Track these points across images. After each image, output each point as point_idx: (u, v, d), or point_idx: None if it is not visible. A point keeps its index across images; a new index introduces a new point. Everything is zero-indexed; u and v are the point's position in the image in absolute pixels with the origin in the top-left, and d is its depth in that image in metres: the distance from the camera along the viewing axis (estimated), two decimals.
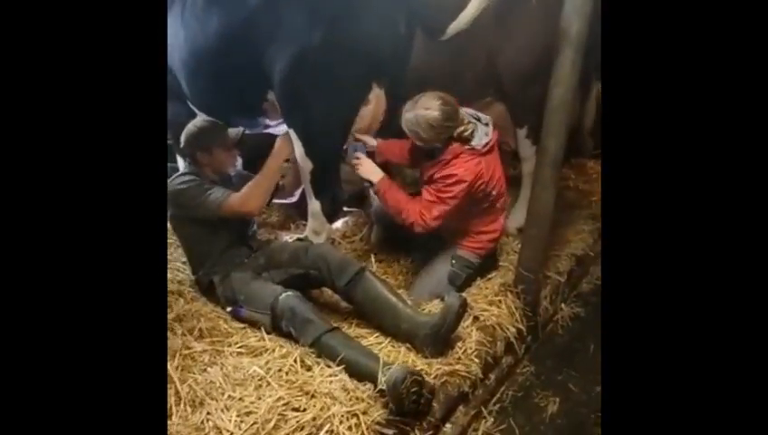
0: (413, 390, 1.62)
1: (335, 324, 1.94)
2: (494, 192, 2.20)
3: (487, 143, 2.13)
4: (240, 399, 1.68)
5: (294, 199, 2.89)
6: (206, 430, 1.58)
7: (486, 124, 2.18)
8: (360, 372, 1.76)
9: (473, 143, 2.11)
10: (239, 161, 2.50)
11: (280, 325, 1.96)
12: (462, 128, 2.09)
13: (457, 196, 2.09)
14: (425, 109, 2.03)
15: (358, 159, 2.26)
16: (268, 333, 1.99)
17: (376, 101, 2.21)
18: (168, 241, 2.77)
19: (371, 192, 2.39)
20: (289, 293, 1.98)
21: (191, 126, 2.28)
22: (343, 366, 1.78)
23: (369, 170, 2.24)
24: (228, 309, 2.13)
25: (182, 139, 2.26)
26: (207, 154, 2.23)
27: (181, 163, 2.84)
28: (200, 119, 2.30)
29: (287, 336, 1.97)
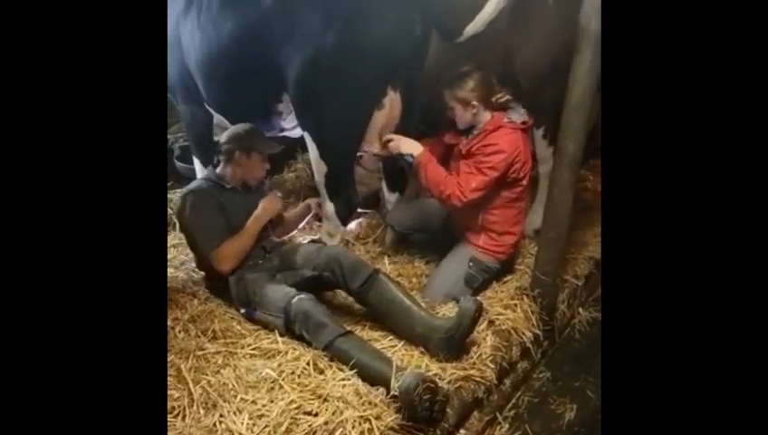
0: (426, 397, 1.60)
1: (348, 327, 1.93)
2: (524, 181, 2.21)
3: (525, 121, 2.19)
4: (253, 401, 1.68)
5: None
6: (219, 433, 1.58)
7: (522, 114, 2.23)
8: (372, 377, 1.75)
9: (513, 117, 2.16)
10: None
11: (293, 328, 1.96)
12: (500, 94, 2.16)
13: (496, 167, 2.09)
14: (465, 68, 2.13)
15: (391, 140, 2.23)
16: (281, 335, 1.99)
17: (390, 104, 2.20)
18: (184, 242, 2.81)
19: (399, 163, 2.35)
20: (302, 296, 1.97)
21: (238, 128, 2.30)
22: (356, 371, 1.77)
23: (410, 144, 2.21)
24: (242, 310, 2.14)
25: (225, 136, 2.28)
26: (246, 156, 2.24)
27: (198, 167, 2.86)
28: (246, 124, 2.33)
29: (300, 339, 1.96)
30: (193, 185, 2.31)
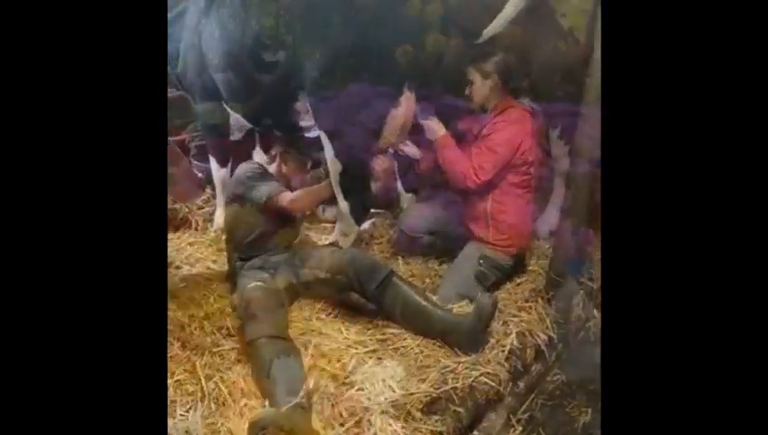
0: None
1: (362, 326, 1.94)
2: (530, 168, 2.23)
3: (532, 108, 2.29)
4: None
5: None
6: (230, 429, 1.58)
7: (529, 101, 2.35)
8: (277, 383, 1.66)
9: (521, 100, 2.27)
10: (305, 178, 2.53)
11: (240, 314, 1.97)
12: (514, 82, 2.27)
13: (505, 145, 2.15)
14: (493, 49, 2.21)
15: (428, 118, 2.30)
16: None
17: (406, 103, 2.20)
18: (201, 240, 2.84)
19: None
20: (259, 283, 2.00)
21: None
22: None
23: (435, 127, 2.29)
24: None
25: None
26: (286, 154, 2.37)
27: (214, 166, 2.89)
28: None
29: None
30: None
